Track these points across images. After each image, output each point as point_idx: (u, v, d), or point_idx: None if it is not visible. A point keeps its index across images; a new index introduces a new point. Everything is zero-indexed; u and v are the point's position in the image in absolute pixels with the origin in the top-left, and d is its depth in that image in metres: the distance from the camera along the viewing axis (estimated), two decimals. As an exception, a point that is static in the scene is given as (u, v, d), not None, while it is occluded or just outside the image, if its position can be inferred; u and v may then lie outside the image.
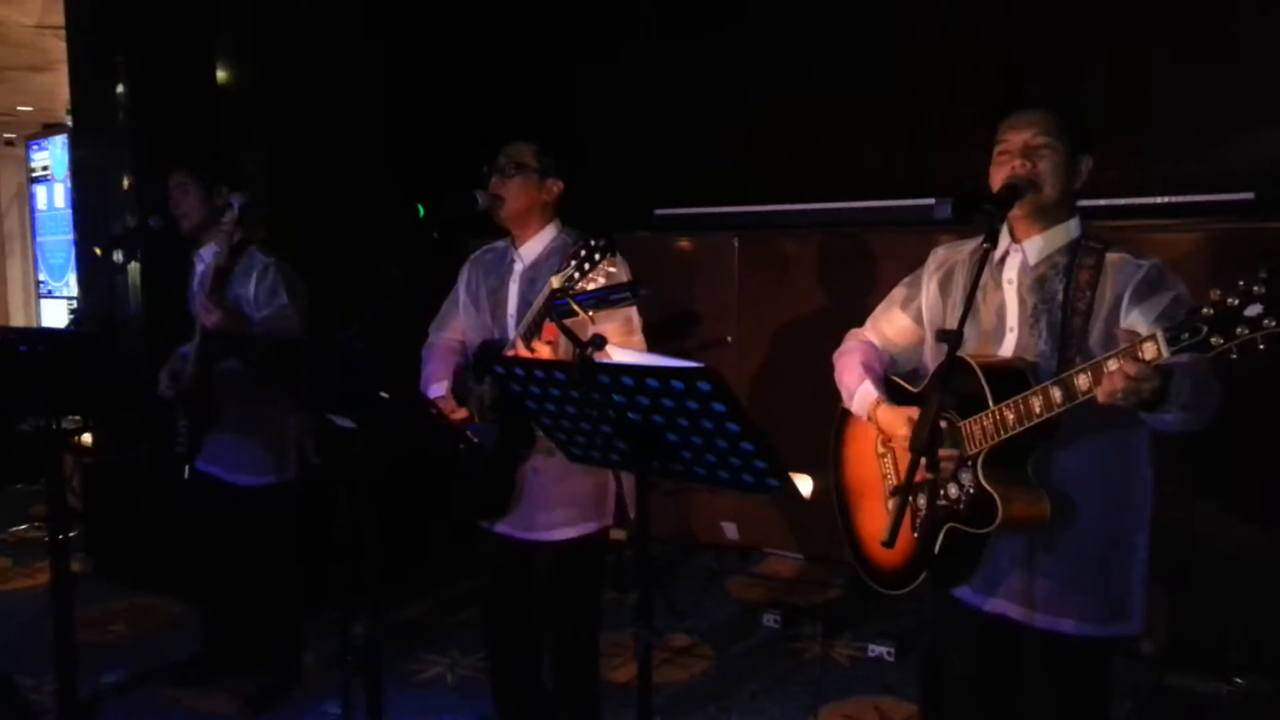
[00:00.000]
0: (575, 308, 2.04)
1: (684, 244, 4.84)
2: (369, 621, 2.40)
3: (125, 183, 4.53)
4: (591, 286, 2.42)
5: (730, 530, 4.78)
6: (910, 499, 2.01)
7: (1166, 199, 3.76)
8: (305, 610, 3.68)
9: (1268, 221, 3.39)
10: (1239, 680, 3.47)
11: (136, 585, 4.63)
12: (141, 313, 4.57)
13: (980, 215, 2.00)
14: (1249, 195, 3.52)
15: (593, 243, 2.42)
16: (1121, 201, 3.72)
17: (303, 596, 3.62)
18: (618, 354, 1.89)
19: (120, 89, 4.48)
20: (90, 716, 3.44)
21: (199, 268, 3.50)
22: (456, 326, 3.01)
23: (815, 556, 4.66)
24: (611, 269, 2.45)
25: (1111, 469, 2.10)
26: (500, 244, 2.93)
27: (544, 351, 2.51)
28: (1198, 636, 3.57)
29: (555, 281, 2.46)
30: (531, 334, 2.56)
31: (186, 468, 3.42)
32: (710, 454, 1.81)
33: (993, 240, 2.01)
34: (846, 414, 2.46)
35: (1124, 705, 3.31)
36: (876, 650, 3.86)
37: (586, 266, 2.42)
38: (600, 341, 1.82)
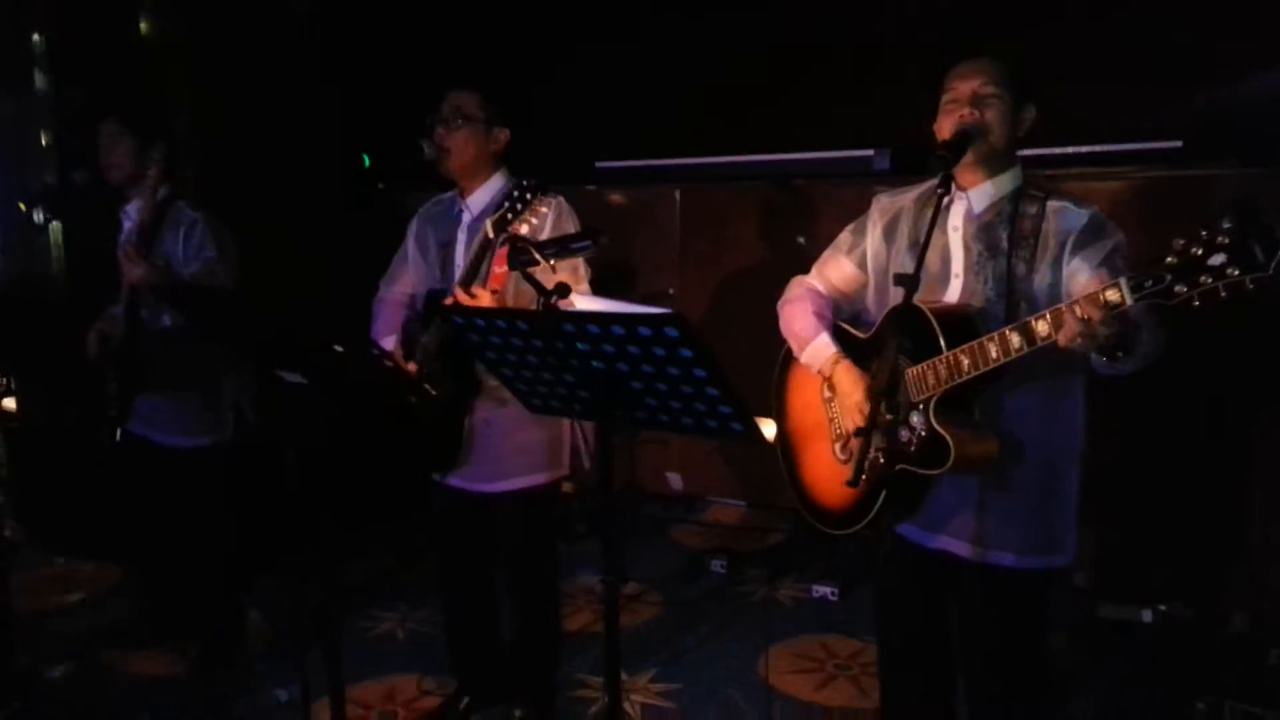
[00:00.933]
0: (537, 255, 2.03)
1: (625, 197, 4.83)
2: (324, 579, 2.38)
3: (44, 139, 4.35)
4: (525, 229, 2.44)
5: (675, 480, 4.84)
6: (867, 441, 2.05)
7: (1095, 148, 3.85)
8: (249, 570, 3.64)
9: (1195, 170, 3.49)
10: (1163, 608, 3.64)
11: (70, 551, 4.53)
12: (64, 272, 4.42)
13: (934, 161, 2.03)
14: (1177, 144, 3.62)
15: (524, 183, 2.45)
16: (1055, 151, 3.80)
17: (243, 557, 3.59)
18: (581, 302, 1.89)
19: (37, 39, 4.29)
20: (30, 683, 3.38)
21: (126, 225, 3.39)
22: (406, 281, 2.98)
23: (758, 503, 4.75)
24: (543, 209, 2.47)
25: (1050, 409, 2.17)
26: (448, 195, 2.90)
27: (484, 298, 2.51)
28: (1125, 569, 3.73)
29: (489, 226, 2.46)
30: (469, 280, 2.55)
31: (117, 431, 3.34)
32: (674, 400, 1.82)
33: (946, 186, 2.04)
34: (790, 358, 2.48)
35: (1059, 635, 3.45)
36: (820, 591, 3.96)
37: (519, 207, 2.44)
38: (565, 290, 1.82)
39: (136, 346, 3.27)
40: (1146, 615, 3.64)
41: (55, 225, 4.37)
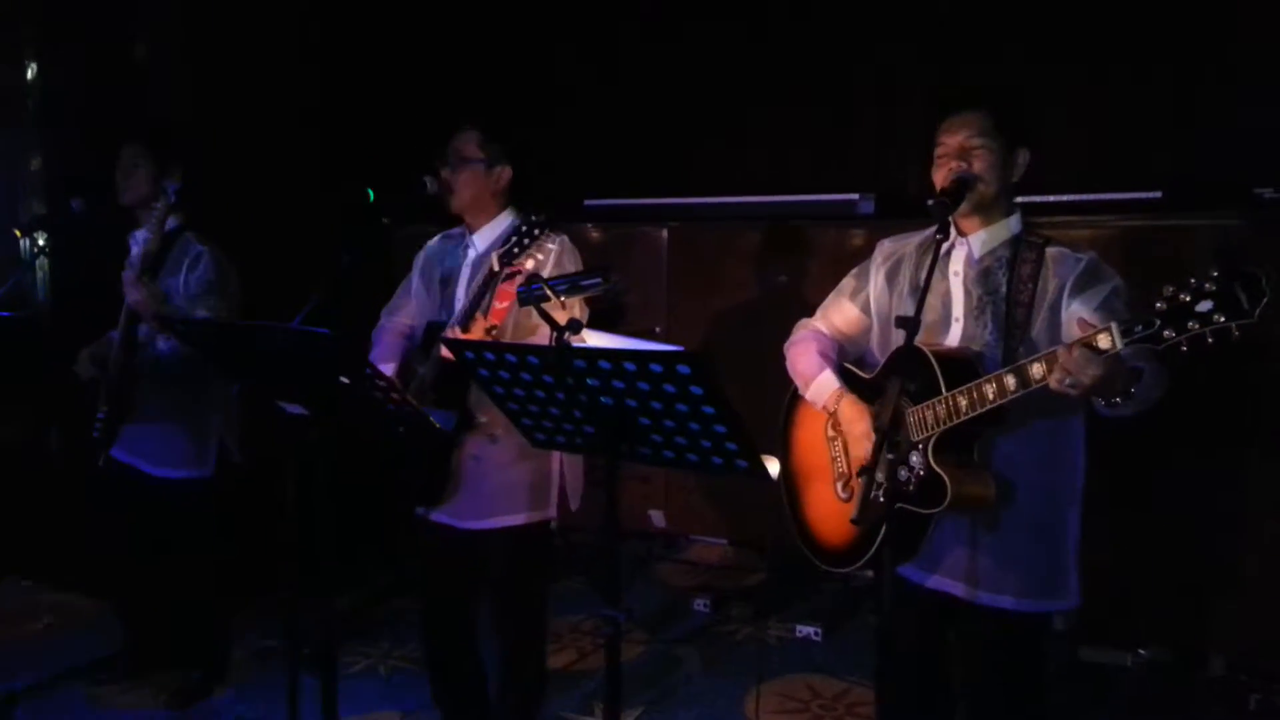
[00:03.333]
0: (549, 292, 2.06)
1: (613, 235, 4.87)
2: (321, 614, 2.37)
3: (33, 165, 4.34)
4: (530, 264, 2.47)
5: (657, 518, 4.83)
6: (870, 479, 2.08)
7: (1076, 197, 3.94)
8: (232, 604, 3.61)
9: (1174, 219, 3.58)
10: (1143, 652, 3.68)
11: (47, 581, 4.45)
12: (50, 298, 4.39)
13: (933, 208, 2.08)
14: (1157, 194, 3.71)
15: (532, 218, 2.49)
16: (1036, 199, 3.87)
17: (225, 591, 3.56)
18: (592, 338, 1.91)
19: (29, 65, 4.29)
20: (7, 717, 3.31)
21: (135, 250, 3.37)
22: (407, 312, 3.00)
23: (740, 542, 4.76)
24: (550, 245, 2.50)
25: (1050, 453, 2.21)
26: (456, 231, 2.94)
27: (475, 333, 2.53)
28: (1105, 613, 3.76)
29: (495, 260, 2.48)
30: (470, 314, 2.58)
31: (101, 455, 3.31)
32: (681, 436, 1.85)
33: (944, 232, 2.09)
34: (795, 399, 2.52)
35: (1041, 678, 3.47)
36: (804, 631, 3.97)
37: (526, 242, 2.47)
38: (577, 325, 1.84)
39: (128, 372, 3.25)
40: (1127, 659, 3.68)
41: (42, 260, 4.33)
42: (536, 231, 2.51)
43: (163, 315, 3.06)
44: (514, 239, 2.53)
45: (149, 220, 3.24)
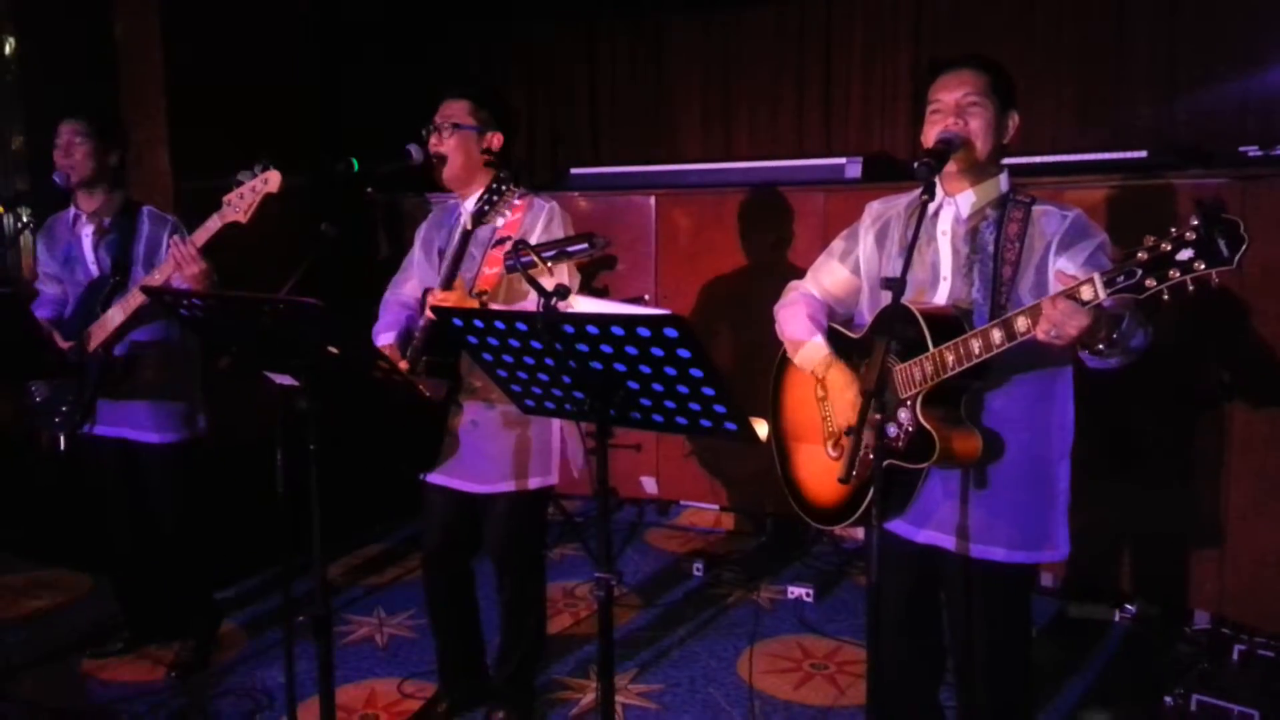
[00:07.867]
0: (536, 258, 2.06)
1: (600, 202, 4.86)
2: (316, 582, 2.38)
3: (15, 140, 4.30)
4: (500, 221, 2.51)
5: (649, 484, 4.87)
6: (858, 438, 2.10)
7: (1062, 158, 3.94)
8: (227, 574, 3.63)
9: (1159, 178, 3.59)
10: (1129, 607, 3.74)
11: (37, 558, 4.46)
12: (35, 277, 4.37)
13: (919, 169, 2.09)
14: (1142, 154, 3.72)
15: (500, 175, 2.52)
16: (1023, 160, 3.87)
17: (217, 559, 3.60)
18: (580, 303, 1.92)
19: (8, 40, 4.25)
20: (3, 692, 3.33)
21: (105, 226, 3.36)
22: (412, 283, 3.00)
23: (731, 507, 4.79)
24: (517, 201, 2.53)
25: (1038, 407, 2.23)
26: (452, 201, 2.95)
27: (451, 297, 2.55)
28: (1092, 570, 3.82)
29: (468, 220, 2.49)
30: (451, 277, 2.60)
31: (61, 438, 3.30)
32: (670, 400, 1.85)
33: (930, 192, 2.10)
34: (785, 361, 2.54)
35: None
36: (796, 591, 4.01)
37: (495, 199, 2.49)
38: (564, 291, 1.85)
39: (111, 348, 3.25)
40: (1114, 614, 3.74)
41: (26, 236, 4.31)
42: (504, 189, 2.52)
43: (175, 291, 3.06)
44: (483, 196, 2.55)
45: (103, 197, 3.29)
